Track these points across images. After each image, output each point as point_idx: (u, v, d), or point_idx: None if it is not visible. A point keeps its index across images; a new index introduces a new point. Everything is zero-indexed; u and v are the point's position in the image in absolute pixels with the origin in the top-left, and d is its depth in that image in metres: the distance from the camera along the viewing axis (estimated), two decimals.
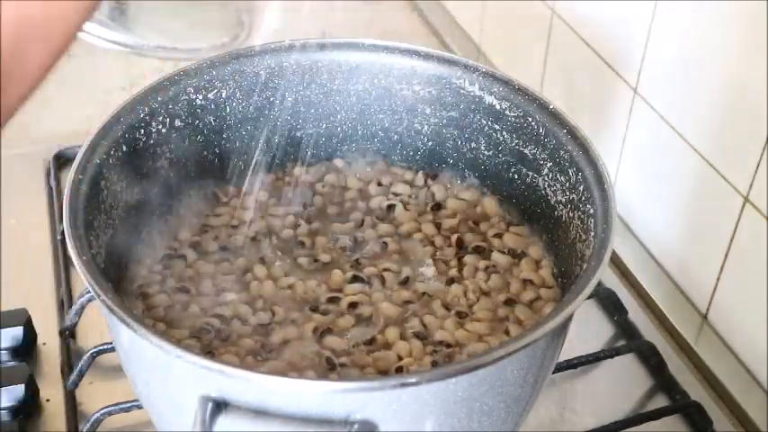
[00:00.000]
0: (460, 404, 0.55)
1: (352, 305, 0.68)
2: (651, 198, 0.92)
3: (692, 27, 0.81)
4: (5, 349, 0.78)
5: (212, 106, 0.75)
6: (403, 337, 0.66)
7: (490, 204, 0.77)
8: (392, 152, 0.82)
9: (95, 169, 0.65)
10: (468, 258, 0.73)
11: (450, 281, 0.71)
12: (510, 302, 0.69)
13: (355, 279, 0.71)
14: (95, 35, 1.19)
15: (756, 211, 0.76)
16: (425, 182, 0.80)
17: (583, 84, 1.00)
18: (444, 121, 0.79)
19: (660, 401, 0.79)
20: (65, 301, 0.83)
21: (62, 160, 0.98)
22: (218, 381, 0.52)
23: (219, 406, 0.52)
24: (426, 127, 0.80)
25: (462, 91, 0.76)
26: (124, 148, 0.69)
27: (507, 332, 0.67)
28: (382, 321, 0.67)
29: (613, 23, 0.93)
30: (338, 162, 0.81)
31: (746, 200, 0.77)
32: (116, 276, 0.68)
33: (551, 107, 0.71)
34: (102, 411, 0.71)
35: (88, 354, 0.75)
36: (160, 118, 0.72)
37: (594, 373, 0.80)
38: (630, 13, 0.88)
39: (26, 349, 0.78)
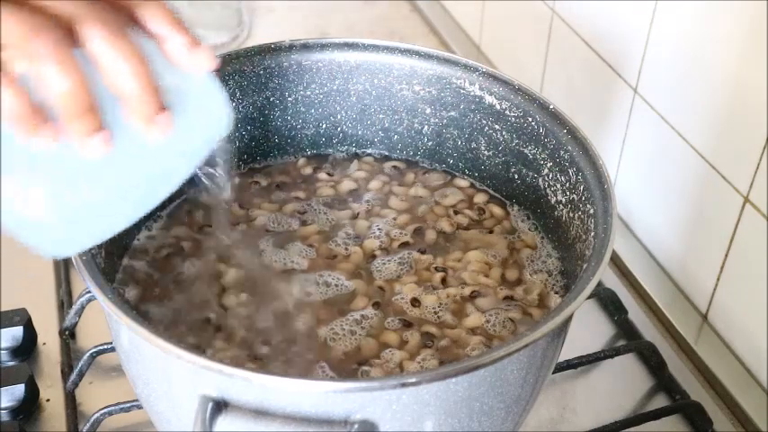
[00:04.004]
0: (460, 404, 0.55)
1: (349, 298, 0.69)
2: (651, 198, 0.92)
3: (692, 27, 0.81)
4: (5, 349, 0.78)
5: None
6: (397, 330, 0.66)
7: (485, 198, 0.78)
8: (392, 152, 0.82)
9: None
10: (460, 253, 0.73)
11: (445, 278, 0.71)
12: (508, 299, 0.69)
13: (354, 276, 0.71)
14: None
15: (756, 211, 0.76)
16: (424, 178, 0.80)
17: (583, 84, 1.00)
18: (444, 121, 0.79)
19: (660, 401, 0.79)
20: (65, 301, 0.83)
21: None
22: (218, 381, 0.52)
23: (219, 406, 0.52)
24: (426, 127, 0.80)
25: (462, 91, 0.76)
26: None
27: (504, 325, 0.67)
28: (377, 312, 0.67)
29: (613, 23, 0.93)
30: (337, 162, 0.81)
31: (746, 200, 0.77)
32: (116, 276, 0.68)
33: (551, 107, 0.71)
34: (102, 411, 0.71)
35: (88, 354, 0.75)
36: None
37: (594, 373, 0.81)
38: (630, 13, 0.88)
39: (26, 349, 0.79)
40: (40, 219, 0.51)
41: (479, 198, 0.78)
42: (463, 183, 0.80)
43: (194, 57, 0.52)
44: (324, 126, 0.81)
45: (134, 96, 0.49)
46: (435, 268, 0.71)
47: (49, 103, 0.48)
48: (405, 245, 0.73)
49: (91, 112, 0.49)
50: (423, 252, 0.73)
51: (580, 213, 0.67)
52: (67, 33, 0.48)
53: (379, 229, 0.75)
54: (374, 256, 0.72)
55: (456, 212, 0.77)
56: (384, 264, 0.72)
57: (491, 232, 0.75)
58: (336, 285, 0.70)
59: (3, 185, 0.51)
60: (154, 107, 0.50)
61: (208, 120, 0.55)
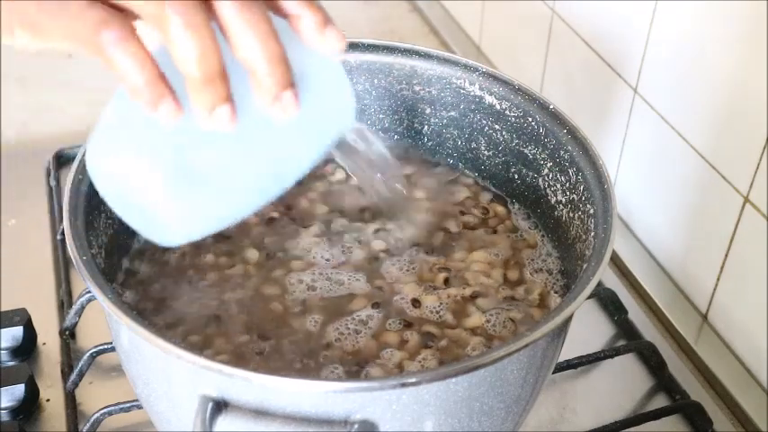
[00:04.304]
0: (460, 404, 0.55)
1: (350, 298, 0.69)
2: (651, 198, 0.92)
3: (692, 27, 0.81)
4: (5, 349, 0.78)
5: None
6: (398, 331, 0.66)
7: (488, 197, 0.78)
8: (392, 152, 0.82)
9: None
10: (465, 253, 0.73)
11: (447, 278, 0.71)
12: (508, 299, 0.69)
13: (356, 273, 0.71)
14: None
15: (756, 211, 0.76)
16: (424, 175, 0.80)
17: (583, 84, 1.00)
18: (444, 121, 0.79)
19: (660, 401, 0.79)
20: (65, 301, 0.83)
21: (62, 160, 0.98)
22: (218, 381, 0.52)
23: (219, 406, 0.52)
24: (426, 127, 0.80)
25: (462, 91, 0.76)
26: None
27: (504, 325, 0.67)
28: (381, 312, 0.67)
29: (613, 23, 0.93)
30: (336, 160, 0.81)
31: (746, 200, 0.77)
32: (116, 276, 0.68)
33: (551, 107, 0.71)
34: (102, 411, 0.71)
35: (88, 354, 0.75)
36: None
37: (594, 373, 0.81)
38: (630, 13, 0.88)
39: (26, 349, 0.79)
40: (156, 200, 0.48)
41: (483, 197, 0.78)
42: (469, 181, 0.80)
43: (326, 37, 0.50)
44: None
45: (263, 70, 0.48)
46: (439, 268, 0.71)
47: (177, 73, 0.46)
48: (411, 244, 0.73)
49: (221, 78, 0.47)
50: (428, 252, 0.73)
51: (580, 213, 0.67)
52: (203, 3, 0.47)
53: (387, 228, 0.75)
54: (379, 257, 0.72)
55: (462, 213, 0.76)
56: (392, 263, 0.71)
57: (495, 232, 0.75)
58: (348, 283, 0.70)
59: (118, 162, 0.48)
60: (282, 83, 0.48)
61: (333, 105, 0.53)
